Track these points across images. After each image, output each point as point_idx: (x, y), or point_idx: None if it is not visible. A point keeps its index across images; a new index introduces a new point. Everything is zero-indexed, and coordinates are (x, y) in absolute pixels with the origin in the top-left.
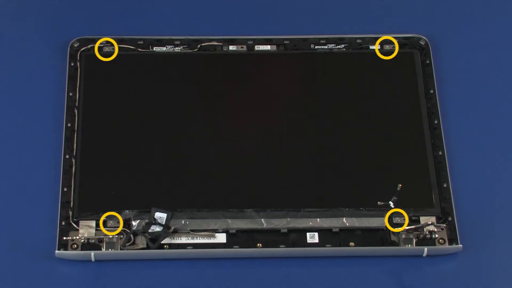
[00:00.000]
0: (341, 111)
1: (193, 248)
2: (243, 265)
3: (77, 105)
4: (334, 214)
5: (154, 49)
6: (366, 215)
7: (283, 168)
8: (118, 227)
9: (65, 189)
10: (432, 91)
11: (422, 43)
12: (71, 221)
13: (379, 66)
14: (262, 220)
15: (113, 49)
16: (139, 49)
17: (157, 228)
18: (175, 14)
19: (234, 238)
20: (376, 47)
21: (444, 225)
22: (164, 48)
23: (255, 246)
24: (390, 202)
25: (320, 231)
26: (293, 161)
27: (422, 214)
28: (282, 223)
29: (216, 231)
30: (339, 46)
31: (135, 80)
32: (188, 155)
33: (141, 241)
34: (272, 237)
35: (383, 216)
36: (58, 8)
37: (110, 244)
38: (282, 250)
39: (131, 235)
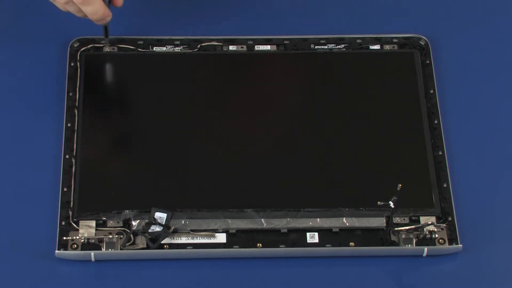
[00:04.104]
0: (341, 111)
1: (193, 248)
2: (243, 265)
3: (77, 105)
4: (334, 214)
5: (154, 49)
6: (366, 215)
7: (283, 168)
8: (118, 227)
9: (65, 189)
10: (432, 91)
11: (422, 43)
12: (71, 221)
13: (379, 66)
14: (262, 220)
15: (113, 49)
16: (139, 49)
17: (157, 228)
18: (175, 14)
19: (234, 238)
20: (376, 47)
21: (444, 225)
22: (164, 48)
23: (255, 246)
24: (390, 202)
25: (320, 231)
26: (293, 161)
27: (422, 214)
28: (282, 223)
29: (216, 231)
30: (339, 46)
31: (135, 80)
32: (188, 155)
33: (141, 241)
34: (272, 237)
35: (383, 216)
36: (58, 8)
37: (110, 244)
38: (282, 250)
39: (131, 235)
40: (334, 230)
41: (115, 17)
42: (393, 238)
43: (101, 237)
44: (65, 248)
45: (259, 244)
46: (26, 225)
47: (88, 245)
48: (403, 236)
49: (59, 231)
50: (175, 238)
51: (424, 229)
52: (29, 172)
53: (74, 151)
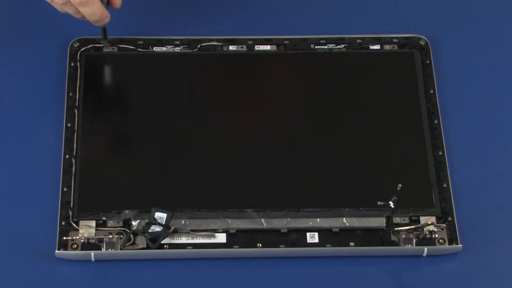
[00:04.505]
0: (341, 111)
1: (193, 248)
2: (243, 265)
3: (77, 105)
4: (334, 214)
5: (154, 49)
6: (366, 215)
7: (283, 168)
8: (118, 227)
9: (65, 189)
10: (432, 91)
11: (422, 43)
12: (71, 221)
13: (379, 66)
14: (262, 220)
15: (113, 49)
16: (139, 49)
17: (157, 228)
18: (175, 14)
19: (234, 238)
20: (376, 47)
21: (444, 225)
22: (164, 48)
23: (255, 246)
24: (390, 202)
25: (320, 231)
26: (293, 161)
27: (422, 214)
28: (282, 223)
29: (216, 231)
30: (339, 46)
31: (135, 80)
32: (188, 155)
33: (141, 241)
34: (272, 237)
35: (383, 216)
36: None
37: (110, 244)
38: (282, 250)
39: (131, 235)
40: (334, 230)
41: (115, 17)
42: (393, 238)
43: (101, 237)
44: (65, 248)
45: (259, 244)
46: (26, 225)
47: (88, 245)
48: (403, 236)
49: (59, 231)
50: (175, 238)
51: (424, 229)
52: (29, 172)
53: (74, 151)
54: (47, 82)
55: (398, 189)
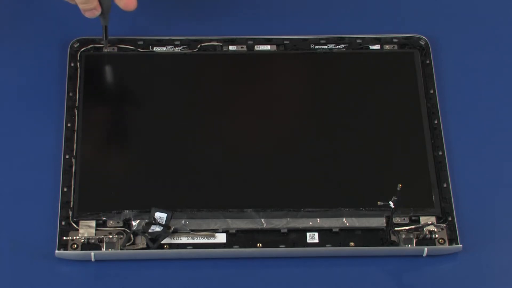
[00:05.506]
0: (341, 111)
1: (193, 248)
2: (243, 265)
3: (77, 105)
4: (334, 214)
5: (154, 49)
6: (366, 215)
7: (283, 168)
8: (118, 227)
9: (65, 189)
10: (432, 91)
11: (422, 43)
12: (71, 221)
13: (379, 66)
14: (262, 220)
15: (113, 49)
16: (139, 49)
17: (157, 228)
18: (175, 14)
19: (234, 238)
20: (376, 47)
21: (444, 225)
22: (164, 48)
23: (255, 246)
24: (390, 202)
25: (320, 231)
26: (293, 161)
27: (422, 214)
28: (282, 223)
29: (216, 231)
30: (339, 46)
31: (135, 80)
32: (188, 155)
33: (141, 241)
34: (272, 237)
35: (383, 216)
36: (58, 8)
37: (110, 244)
38: (282, 250)
39: (131, 235)
40: (334, 230)
41: (115, 17)
42: (393, 238)
43: (101, 237)
44: (65, 248)
45: (259, 244)
46: (26, 225)
47: (88, 245)
48: (403, 236)
49: (59, 231)
50: (175, 238)
51: (424, 229)
52: (29, 172)
53: (74, 151)
54: (47, 82)
55: (398, 189)
